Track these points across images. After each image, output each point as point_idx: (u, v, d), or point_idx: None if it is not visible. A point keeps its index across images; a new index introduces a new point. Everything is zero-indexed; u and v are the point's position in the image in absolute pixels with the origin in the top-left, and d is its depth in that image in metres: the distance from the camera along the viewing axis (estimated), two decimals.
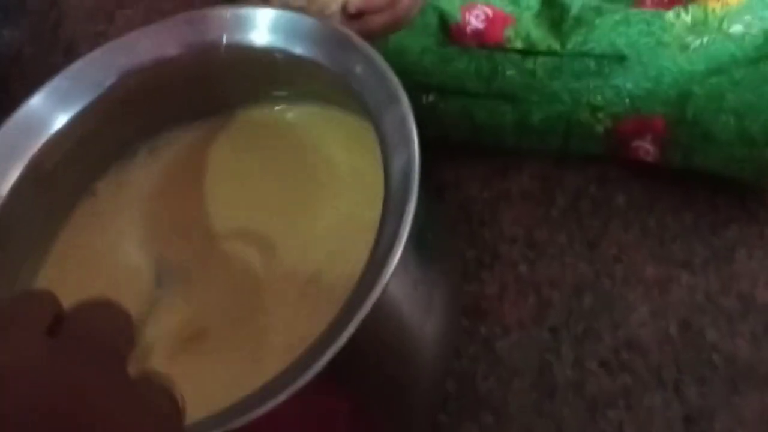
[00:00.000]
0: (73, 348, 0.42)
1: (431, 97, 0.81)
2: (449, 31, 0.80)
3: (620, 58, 0.76)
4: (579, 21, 0.78)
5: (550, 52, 0.78)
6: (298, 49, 0.69)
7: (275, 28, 0.70)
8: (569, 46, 0.77)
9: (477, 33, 0.80)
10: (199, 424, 0.52)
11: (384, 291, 0.53)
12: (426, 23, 0.80)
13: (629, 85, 0.76)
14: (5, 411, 0.38)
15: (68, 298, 0.64)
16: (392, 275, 0.54)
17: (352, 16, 0.71)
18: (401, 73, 0.64)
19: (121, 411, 0.40)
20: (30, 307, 0.44)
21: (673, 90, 0.75)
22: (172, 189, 0.74)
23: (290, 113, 0.75)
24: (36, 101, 0.70)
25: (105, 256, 0.72)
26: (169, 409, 0.44)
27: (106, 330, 0.44)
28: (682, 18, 0.76)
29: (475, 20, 0.80)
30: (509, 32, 0.79)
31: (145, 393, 0.43)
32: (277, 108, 0.75)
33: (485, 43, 0.79)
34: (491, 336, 0.74)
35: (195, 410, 0.49)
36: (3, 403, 0.38)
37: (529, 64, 0.78)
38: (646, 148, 0.78)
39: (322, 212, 0.70)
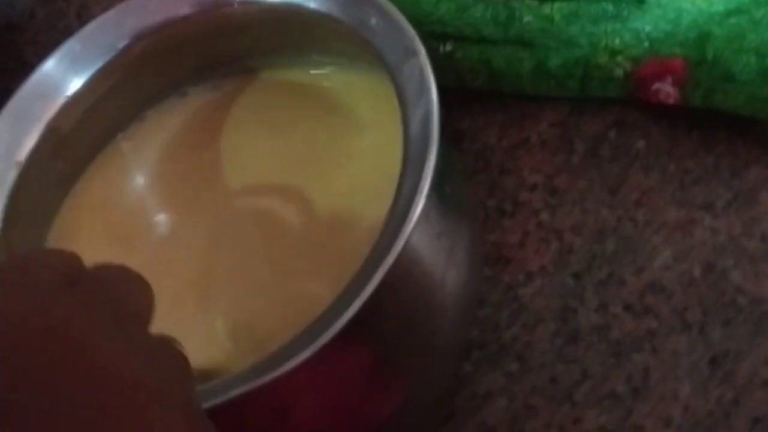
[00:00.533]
0: (92, 302, 0.42)
1: (448, 47, 0.81)
2: None
3: (639, 1, 0.75)
4: None
5: None
6: (312, 4, 0.68)
7: None
8: None
9: None
10: (224, 382, 0.53)
11: (406, 242, 0.54)
12: None
13: (648, 28, 0.76)
14: (15, 357, 0.38)
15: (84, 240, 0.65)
16: (414, 226, 0.54)
17: None
18: (416, 23, 0.63)
19: (137, 369, 0.40)
20: (50, 260, 0.45)
21: (692, 31, 0.75)
22: (193, 148, 0.74)
23: (308, 70, 0.75)
24: (49, 66, 0.70)
25: (123, 219, 0.73)
26: (183, 373, 0.44)
27: (127, 291, 0.45)
28: None
29: None
30: None
31: (161, 354, 0.43)
32: (295, 65, 0.75)
33: None
34: (514, 283, 0.74)
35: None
36: (14, 347, 0.38)
37: (546, 9, 0.77)
38: (666, 90, 0.78)
39: (346, 167, 0.70)
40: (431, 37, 0.62)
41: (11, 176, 0.67)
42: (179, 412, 0.41)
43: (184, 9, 0.72)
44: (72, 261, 0.45)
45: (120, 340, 0.41)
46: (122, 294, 0.44)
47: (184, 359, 0.44)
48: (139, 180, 0.75)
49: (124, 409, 0.39)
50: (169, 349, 0.44)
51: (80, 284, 0.43)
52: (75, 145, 0.72)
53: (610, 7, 0.76)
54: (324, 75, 0.75)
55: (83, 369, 0.38)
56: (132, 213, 0.73)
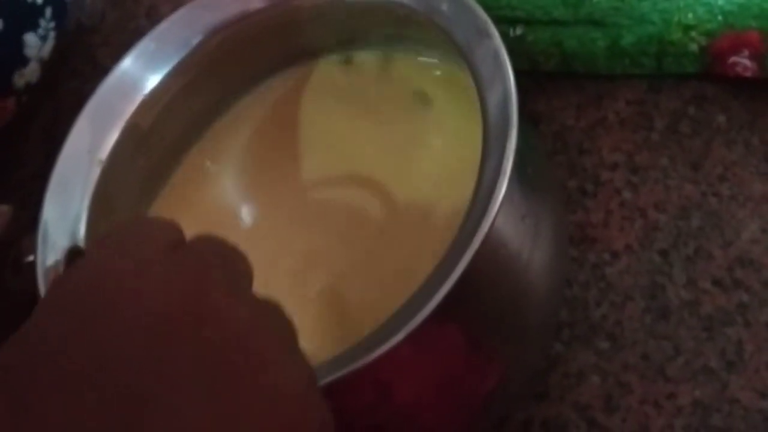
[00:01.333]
0: (197, 264, 0.42)
1: (518, 30, 0.80)
2: None
3: None
4: None
5: None
6: None
7: None
8: None
9: None
10: (320, 367, 0.53)
11: (492, 225, 0.54)
12: None
13: (721, 1, 0.75)
14: (124, 315, 0.39)
15: None
16: (498, 209, 0.54)
17: None
18: (485, 8, 0.63)
19: (246, 329, 0.41)
20: (153, 227, 0.46)
21: (766, 2, 0.74)
22: (274, 140, 0.75)
23: (383, 57, 0.75)
24: (126, 65, 0.71)
25: (209, 212, 0.74)
26: (290, 334, 0.45)
27: (228, 257, 0.45)
28: None
29: None
30: None
31: (274, 315, 0.44)
32: (369, 53, 0.75)
33: None
34: (600, 262, 0.73)
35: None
36: (122, 306, 0.39)
37: None
38: (743, 63, 0.77)
39: (425, 154, 0.70)
40: (500, 21, 0.62)
41: (95, 174, 0.68)
42: (300, 360, 0.43)
43: (256, 2, 0.72)
44: (173, 229, 0.46)
45: (230, 300, 0.41)
46: (226, 259, 0.45)
47: (292, 323, 0.45)
48: (223, 176, 0.76)
49: (251, 353, 0.40)
50: (278, 311, 0.45)
51: (187, 248, 0.44)
52: (156, 142, 0.73)
53: None
54: (398, 61, 0.75)
55: (212, 324, 0.39)
56: (217, 209, 0.74)
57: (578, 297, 0.72)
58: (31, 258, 0.63)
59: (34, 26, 0.95)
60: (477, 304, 0.57)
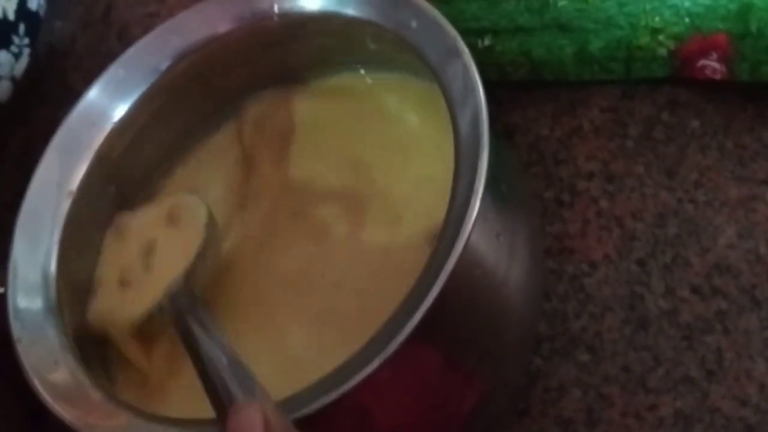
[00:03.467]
0: None
1: (486, 41, 0.80)
2: None
3: None
4: None
5: None
6: (350, 10, 0.68)
7: None
8: None
9: None
10: (293, 398, 0.53)
11: (465, 246, 0.54)
12: None
13: (687, 4, 0.75)
14: None
15: None
16: (472, 228, 0.54)
17: None
18: (451, 21, 0.63)
19: None
20: None
21: (732, 4, 0.74)
22: (248, 164, 0.75)
23: (353, 77, 0.75)
24: (94, 94, 0.71)
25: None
26: None
27: None
28: None
29: None
30: None
31: None
32: (339, 72, 0.75)
33: None
34: (579, 274, 0.73)
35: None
36: None
37: None
38: (712, 66, 0.77)
39: (397, 174, 0.70)
40: (467, 33, 0.62)
41: (65, 207, 0.68)
42: None
43: (224, 25, 0.72)
44: None
45: None
46: None
47: None
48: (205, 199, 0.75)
49: None
50: None
51: None
52: (127, 172, 0.73)
53: None
54: (369, 80, 0.75)
55: None
56: None
57: (557, 309, 0.72)
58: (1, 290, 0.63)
59: (6, 43, 0.95)
60: (454, 325, 0.57)
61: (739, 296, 0.70)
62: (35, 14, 1.00)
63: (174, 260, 0.65)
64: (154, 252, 0.67)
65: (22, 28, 0.97)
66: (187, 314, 0.60)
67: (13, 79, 0.96)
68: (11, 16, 0.96)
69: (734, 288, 0.71)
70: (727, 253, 0.72)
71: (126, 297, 0.66)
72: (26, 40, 0.98)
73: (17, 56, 0.96)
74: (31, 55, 0.97)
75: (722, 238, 0.73)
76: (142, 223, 0.69)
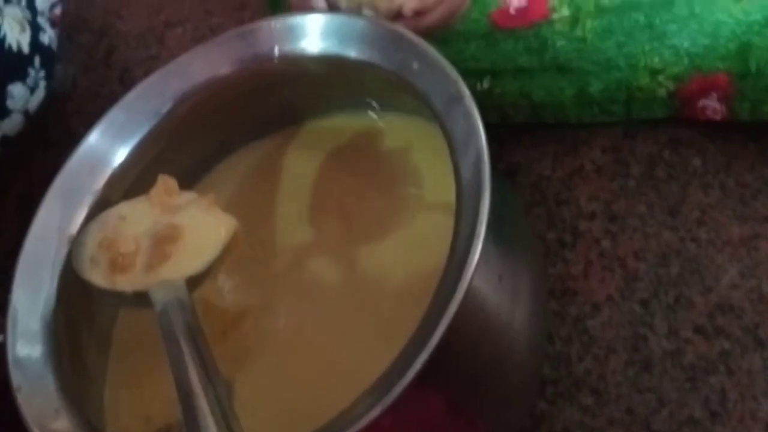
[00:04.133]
0: None
1: (486, 83, 0.80)
2: (491, 18, 0.79)
3: (669, 3, 0.74)
4: None
5: (597, 9, 0.76)
6: (352, 53, 0.68)
7: (326, 34, 0.69)
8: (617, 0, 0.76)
9: (521, 11, 0.78)
10: None
11: (468, 288, 0.53)
12: (467, 14, 0.79)
13: (686, 44, 0.75)
14: None
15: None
16: (474, 271, 0.54)
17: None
18: (450, 62, 0.63)
19: None
20: None
21: (732, 44, 0.74)
22: (247, 206, 0.74)
23: (355, 118, 0.75)
24: (94, 137, 0.71)
25: None
26: None
27: None
28: None
29: (516, 2, 0.79)
30: (553, 2, 0.77)
31: None
32: (340, 114, 0.75)
33: (530, 19, 0.78)
34: (582, 315, 0.73)
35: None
36: None
37: (578, 31, 0.77)
38: (713, 106, 0.77)
39: (397, 216, 0.70)
40: (467, 74, 0.62)
41: (64, 253, 0.67)
42: None
43: (225, 68, 0.72)
44: None
45: None
46: None
47: None
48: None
49: None
50: None
51: None
52: None
53: (641, 17, 0.75)
54: (371, 122, 0.74)
55: None
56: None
57: (561, 352, 0.72)
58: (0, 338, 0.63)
59: (22, 76, 0.95)
60: (457, 369, 0.57)
61: (743, 336, 0.70)
62: (48, 48, 1.00)
63: (181, 262, 0.64)
64: (159, 244, 0.66)
65: (37, 60, 0.97)
66: (180, 331, 0.59)
67: (26, 112, 0.96)
68: (26, 50, 0.96)
69: (737, 328, 0.70)
70: (730, 292, 0.72)
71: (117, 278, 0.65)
72: (42, 73, 0.98)
73: (33, 89, 0.96)
74: (47, 88, 0.97)
75: (725, 277, 0.73)
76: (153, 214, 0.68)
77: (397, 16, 0.71)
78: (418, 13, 0.71)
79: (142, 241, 0.63)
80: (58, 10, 1.05)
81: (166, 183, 0.65)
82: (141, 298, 0.62)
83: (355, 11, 0.71)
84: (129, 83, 0.74)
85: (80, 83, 1.02)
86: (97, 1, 1.09)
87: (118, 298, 0.65)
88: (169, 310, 0.60)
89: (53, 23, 1.03)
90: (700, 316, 0.71)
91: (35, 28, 0.99)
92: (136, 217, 0.65)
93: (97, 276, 0.63)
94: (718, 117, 0.77)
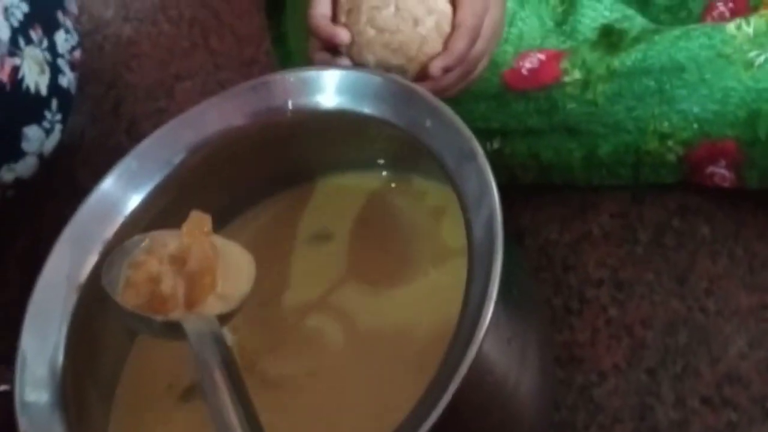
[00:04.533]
0: None
1: (495, 144, 0.80)
2: (503, 78, 0.80)
3: (680, 70, 0.74)
4: (638, 39, 0.77)
5: (609, 73, 0.76)
6: (366, 109, 0.68)
7: (341, 89, 0.69)
8: (628, 63, 0.76)
9: (533, 72, 0.78)
10: None
11: (479, 351, 0.52)
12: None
13: (696, 109, 0.75)
14: None
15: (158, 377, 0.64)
16: (485, 334, 0.53)
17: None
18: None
19: None
20: None
21: (741, 110, 0.74)
22: (260, 260, 0.74)
23: (366, 175, 0.74)
24: (106, 185, 0.70)
25: None
26: None
27: None
28: (743, 29, 0.74)
29: (529, 64, 0.79)
30: (565, 64, 0.78)
31: None
32: (351, 170, 0.74)
33: (542, 81, 0.78)
34: (588, 384, 0.72)
35: None
36: None
37: (589, 95, 0.77)
38: (721, 173, 0.76)
39: (405, 276, 0.69)
40: (476, 134, 0.61)
41: (72, 301, 0.66)
42: None
43: (238, 120, 0.71)
44: None
45: None
46: None
47: None
48: None
49: None
50: None
51: None
52: None
53: (652, 83, 0.75)
54: (381, 179, 0.74)
55: None
56: None
57: (566, 420, 0.71)
58: (3, 388, 0.62)
59: (38, 118, 0.95)
60: None
61: (750, 407, 0.69)
62: (66, 91, 1.00)
63: (218, 298, 0.63)
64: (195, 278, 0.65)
65: (54, 103, 0.97)
66: (216, 363, 0.58)
67: (40, 155, 0.96)
68: (44, 91, 0.96)
69: (745, 399, 0.70)
70: (738, 363, 0.71)
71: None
72: (58, 116, 0.98)
73: (48, 132, 0.96)
74: (63, 132, 0.96)
75: (733, 347, 0.72)
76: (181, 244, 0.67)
77: (424, 75, 0.70)
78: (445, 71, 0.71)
79: (179, 279, 0.62)
80: (78, 54, 1.05)
81: (200, 219, 0.64)
82: (167, 329, 0.61)
83: (385, 65, 0.71)
84: (136, 135, 0.74)
85: (88, 134, 1.02)
86: (106, 53, 1.10)
87: (137, 330, 0.66)
88: (204, 342, 0.59)
89: (73, 66, 1.03)
90: (708, 386, 0.71)
91: (55, 70, 0.99)
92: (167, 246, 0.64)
93: (129, 300, 0.62)
94: (726, 184, 0.77)
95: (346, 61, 0.71)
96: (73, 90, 1.00)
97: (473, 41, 0.71)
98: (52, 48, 0.99)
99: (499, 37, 0.78)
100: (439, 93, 0.67)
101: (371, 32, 0.71)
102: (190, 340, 0.59)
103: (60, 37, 1.02)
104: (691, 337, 0.73)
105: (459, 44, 0.71)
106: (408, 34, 0.70)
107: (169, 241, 0.63)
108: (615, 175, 0.80)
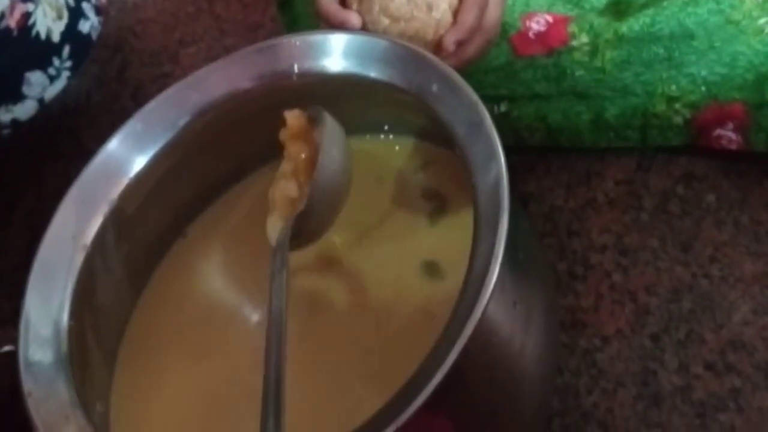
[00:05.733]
0: None
1: (502, 107, 0.80)
2: (511, 43, 0.79)
3: (689, 37, 0.74)
4: (646, 5, 0.77)
5: (617, 38, 0.76)
6: (372, 73, 0.68)
7: (347, 53, 0.69)
8: (636, 28, 0.75)
9: (540, 36, 0.78)
10: None
11: (483, 313, 0.52)
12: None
13: (704, 72, 0.75)
14: None
15: (161, 338, 0.64)
16: (490, 296, 0.53)
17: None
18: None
19: None
20: None
21: (749, 74, 0.74)
22: (260, 229, 0.74)
23: (370, 141, 0.74)
24: (112, 146, 0.70)
25: (196, 305, 0.72)
26: None
27: None
28: None
29: (536, 25, 0.79)
30: (572, 28, 0.78)
31: None
32: (357, 133, 0.74)
33: (550, 45, 0.78)
34: (591, 348, 0.72)
35: None
36: None
37: (597, 62, 0.77)
38: (728, 136, 0.76)
39: (410, 239, 0.69)
40: (484, 99, 0.61)
41: (78, 261, 0.66)
42: None
43: (244, 83, 0.71)
44: None
45: None
46: None
47: None
48: (208, 272, 0.74)
49: None
50: None
51: None
52: (141, 229, 0.71)
53: (661, 50, 0.75)
54: (387, 143, 0.74)
55: None
56: (205, 303, 0.73)
57: (569, 384, 0.71)
58: (7, 348, 0.62)
59: (43, 64, 0.95)
60: (468, 395, 0.56)
61: (754, 373, 0.69)
62: (86, 37, 1.00)
63: None
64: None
65: (66, 50, 0.97)
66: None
67: (41, 100, 0.96)
68: (56, 38, 0.96)
69: (749, 365, 0.70)
70: (742, 329, 0.71)
71: None
72: (68, 63, 0.98)
73: (53, 78, 0.96)
74: (70, 79, 0.96)
75: (737, 314, 0.72)
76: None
77: (438, 49, 0.70)
78: (459, 45, 0.71)
79: None
80: None
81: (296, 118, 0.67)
82: None
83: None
84: (141, 100, 0.73)
85: (93, 98, 1.02)
86: (112, 18, 1.09)
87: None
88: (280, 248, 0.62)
89: (98, 11, 1.03)
90: (711, 352, 0.71)
91: (76, 15, 0.98)
92: None
93: None
94: (733, 147, 0.77)
95: (356, 21, 0.71)
96: (95, 35, 1.00)
97: (482, 11, 0.71)
98: None
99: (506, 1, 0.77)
100: (464, 65, 0.67)
101: (385, 21, 0.71)
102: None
103: None
104: (695, 304, 0.73)
105: (468, 17, 0.70)
106: (423, 20, 0.70)
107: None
108: (623, 137, 0.80)
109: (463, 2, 0.71)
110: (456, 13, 0.71)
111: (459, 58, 0.70)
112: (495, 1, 0.72)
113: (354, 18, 0.71)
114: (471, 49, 0.71)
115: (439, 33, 0.71)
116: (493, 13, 0.72)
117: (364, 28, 0.71)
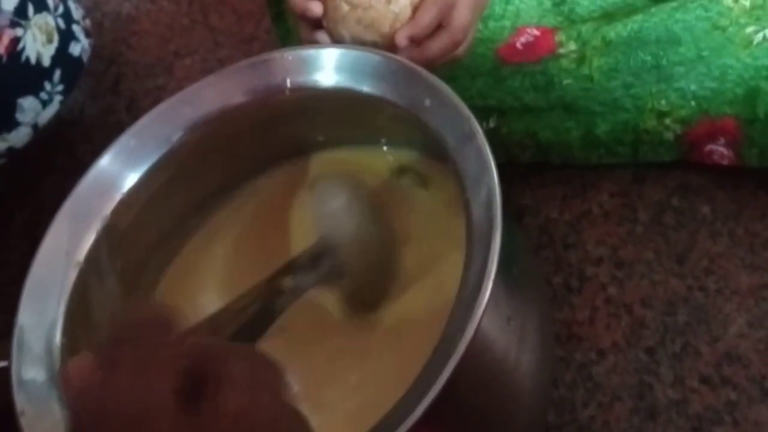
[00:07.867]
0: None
1: (492, 123, 0.80)
2: (498, 53, 0.79)
3: (676, 42, 0.74)
4: (635, 11, 0.77)
5: (604, 44, 0.76)
6: (365, 87, 0.68)
7: (340, 68, 0.69)
8: (624, 34, 0.76)
9: (528, 45, 0.78)
10: None
11: (477, 329, 0.52)
12: (473, 50, 0.79)
13: (693, 87, 0.75)
14: None
15: None
16: (484, 311, 0.53)
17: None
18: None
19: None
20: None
21: (739, 88, 0.73)
22: (256, 239, 0.74)
23: (363, 153, 0.74)
24: (104, 162, 0.69)
25: (193, 314, 0.72)
26: None
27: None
28: (740, 2, 0.74)
29: (524, 39, 0.79)
30: (560, 37, 0.78)
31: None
32: (348, 150, 0.74)
33: (537, 54, 0.78)
34: (587, 362, 0.72)
35: None
36: None
37: (585, 69, 0.77)
38: (720, 151, 0.76)
39: (403, 253, 0.69)
40: (473, 112, 0.61)
41: (72, 277, 0.66)
42: None
43: (237, 98, 0.71)
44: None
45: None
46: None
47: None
48: (205, 284, 0.74)
49: None
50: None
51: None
52: (134, 244, 0.71)
53: (648, 57, 0.75)
54: (380, 156, 0.74)
55: None
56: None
57: (565, 398, 0.71)
58: (2, 364, 0.62)
59: (35, 89, 0.95)
60: (463, 410, 0.56)
61: (749, 387, 0.69)
62: (77, 60, 0.99)
63: None
64: None
65: (57, 74, 0.97)
66: None
67: (35, 126, 0.96)
68: (46, 62, 0.96)
69: (744, 378, 0.70)
70: (738, 342, 0.71)
71: None
72: (60, 87, 0.98)
73: (45, 103, 0.96)
74: (63, 102, 0.96)
75: (732, 327, 0.72)
76: None
77: (394, 47, 0.71)
78: (416, 43, 0.71)
79: None
80: (88, 22, 1.05)
81: None
82: None
83: (359, 41, 0.73)
84: (136, 112, 0.73)
85: (87, 110, 1.02)
86: (106, 29, 1.09)
87: None
88: None
89: (87, 33, 1.03)
90: (707, 365, 0.71)
91: (67, 38, 0.98)
92: None
93: None
94: (725, 162, 0.77)
95: (324, 36, 0.72)
96: (85, 57, 1.00)
97: (444, 11, 0.72)
98: (66, 14, 0.99)
99: (484, 6, 0.77)
100: (425, 63, 0.68)
101: (345, 8, 0.73)
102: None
103: (72, 3, 1.02)
104: (690, 317, 0.73)
105: (425, 15, 0.72)
106: (380, 11, 0.72)
107: None
108: (613, 153, 0.79)
109: (423, 0, 0.71)
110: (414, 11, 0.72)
111: (421, 55, 0.71)
112: (465, 3, 0.72)
113: (314, 6, 0.74)
114: (434, 48, 0.72)
115: (396, 27, 0.72)
116: (462, 15, 0.72)
117: (328, 16, 0.73)
